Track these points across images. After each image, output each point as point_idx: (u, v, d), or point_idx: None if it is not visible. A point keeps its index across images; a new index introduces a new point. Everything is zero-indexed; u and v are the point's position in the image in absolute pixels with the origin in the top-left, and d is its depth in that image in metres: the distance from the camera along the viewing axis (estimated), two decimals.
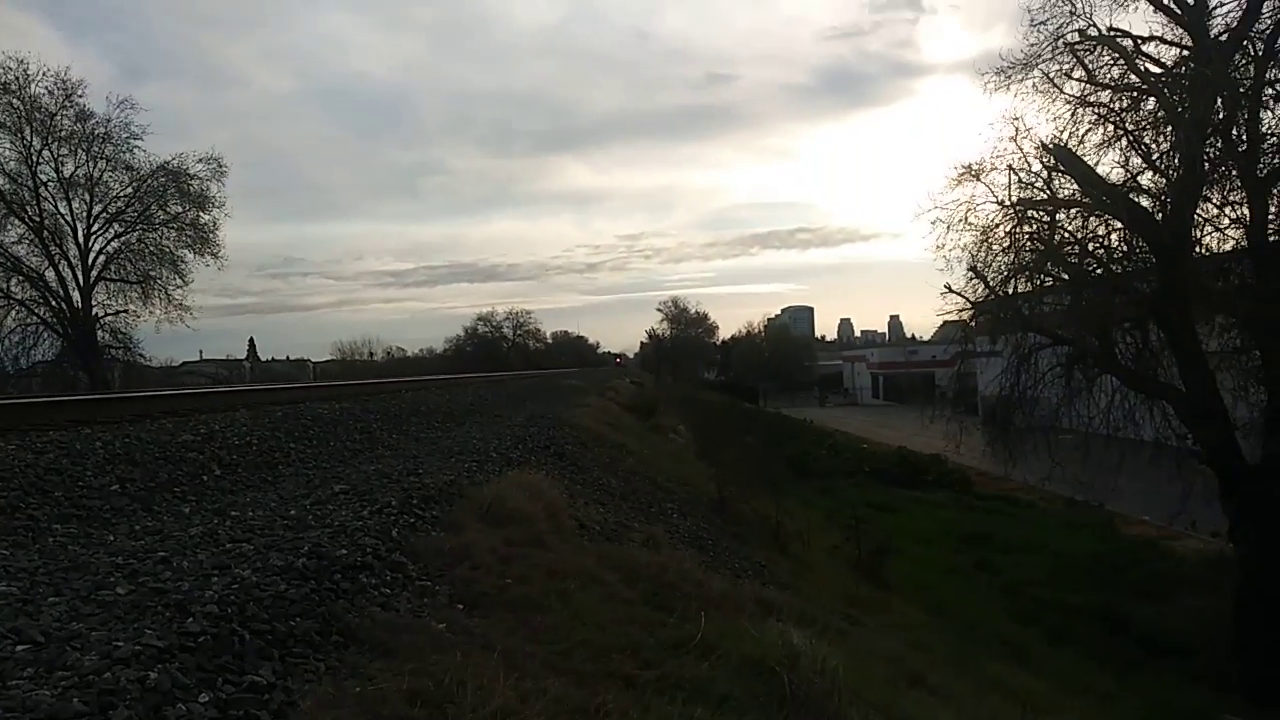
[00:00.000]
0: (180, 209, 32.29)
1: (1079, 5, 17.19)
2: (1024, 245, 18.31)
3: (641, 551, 8.42)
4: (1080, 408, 18.80)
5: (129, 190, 31.59)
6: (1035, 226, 18.31)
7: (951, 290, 19.17)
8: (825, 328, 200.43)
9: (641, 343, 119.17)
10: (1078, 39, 17.30)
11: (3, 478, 6.30)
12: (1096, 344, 17.57)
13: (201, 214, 32.45)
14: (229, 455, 8.80)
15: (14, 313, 30.00)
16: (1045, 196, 17.99)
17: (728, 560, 11.51)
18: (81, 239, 30.85)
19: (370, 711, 3.74)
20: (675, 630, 6.14)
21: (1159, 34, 17.13)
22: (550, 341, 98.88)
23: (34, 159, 29.29)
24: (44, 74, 28.85)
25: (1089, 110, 17.40)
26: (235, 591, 4.37)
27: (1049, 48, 17.55)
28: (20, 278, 29.88)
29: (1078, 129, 17.53)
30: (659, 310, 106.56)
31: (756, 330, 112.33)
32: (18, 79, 28.22)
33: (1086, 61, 17.40)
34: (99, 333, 31.67)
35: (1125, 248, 17.43)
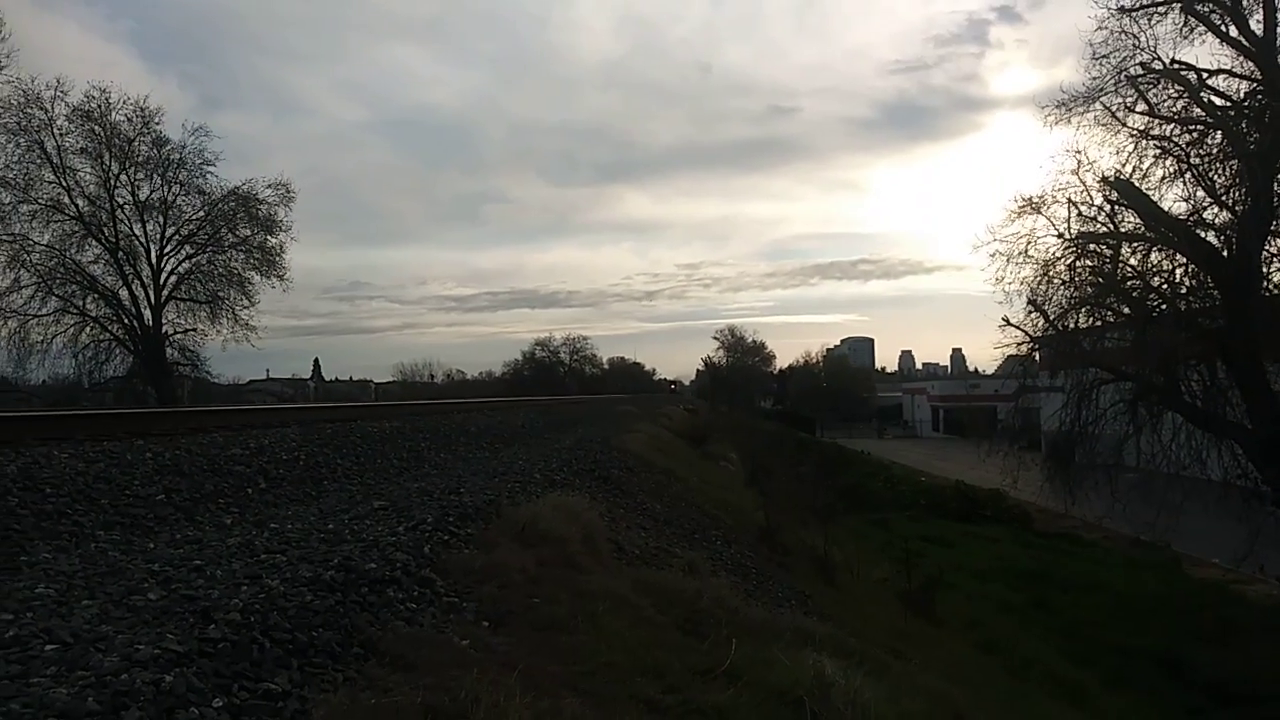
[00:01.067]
0: (249, 232, 33.28)
1: (1143, 39, 16.95)
2: (1085, 279, 17.96)
3: (678, 577, 8.35)
4: (1144, 444, 18.27)
5: (200, 214, 32.68)
6: (1096, 260, 17.95)
7: (1010, 324, 18.90)
8: (886, 359, 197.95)
9: (697, 370, 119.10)
10: (1140, 72, 17.02)
11: (53, 484, 6.50)
12: (1161, 380, 17.09)
13: (269, 237, 33.41)
14: (275, 470, 8.96)
15: (89, 329, 31.11)
16: (1107, 230, 17.63)
17: (770, 589, 11.35)
18: (154, 260, 31.96)
19: None
20: (705, 656, 6.06)
21: (1226, 67, 16.76)
22: (606, 367, 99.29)
23: (112, 183, 30.46)
24: (124, 102, 30.08)
25: (1152, 144, 17.08)
26: (261, 600, 4.43)
27: (1111, 81, 17.30)
28: (96, 296, 30.99)
29: (1140, 163, 17.23)
30: (715, 338, 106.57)
31: (815, 360, 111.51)
32: (99, 107, 29.45)
33: (1149, 95, 17.10)
34: (168, 350, 32.68)
35: (1190, 283, 16.98)
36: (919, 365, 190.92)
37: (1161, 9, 16.73)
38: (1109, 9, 17.10)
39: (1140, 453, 18.67)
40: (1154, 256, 16.98)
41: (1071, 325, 17.86)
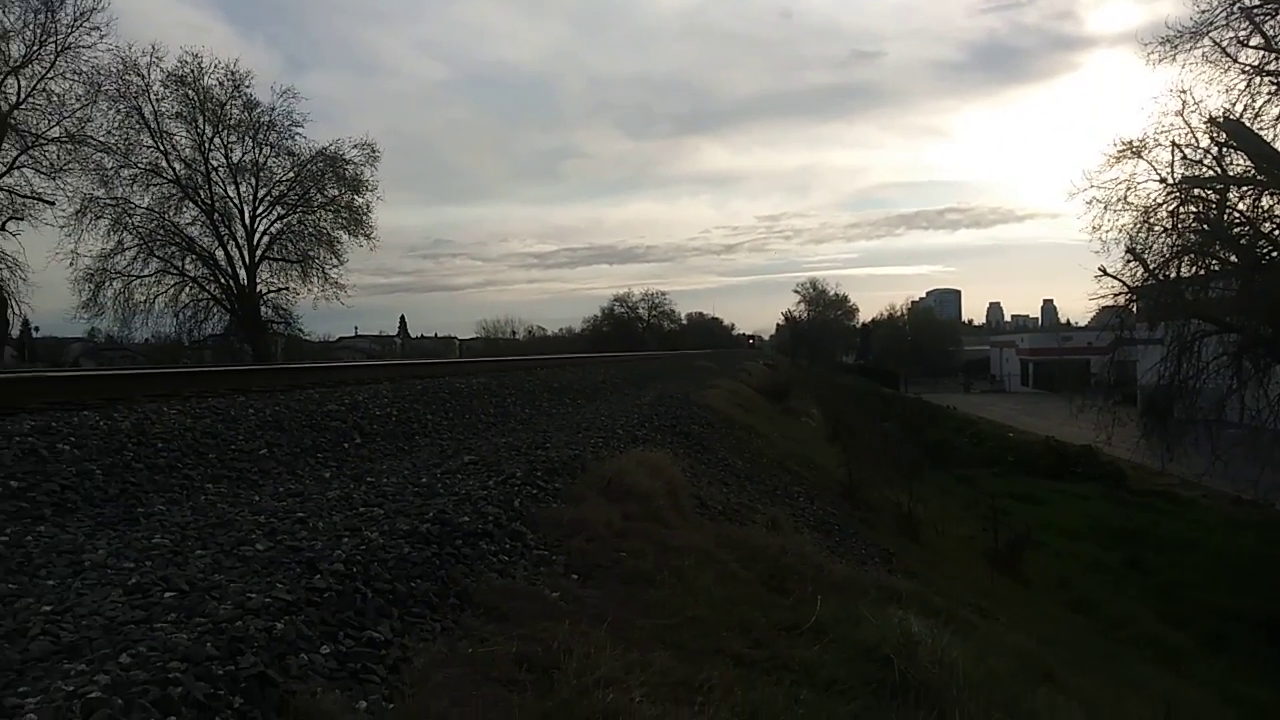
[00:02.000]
0: (336, 192, 34.04)
1: None
2: (1188, 226, 17.16)
3: (761, 533, 8.38)
4: (1248, 399, 17.51)
5: (290, 175, 33.53)
6: (1201, 206, 17.11)
7: (1107, 274, 18.22)
8: (973, 312, 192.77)
9: (777, 325, 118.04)
10: (1257, 2, 15.95)
11: (164, 439, 6.83)
12: (1269, 331, 16.29)
13: (356, 197, 34.12)
14: (370, 425, 9.25)
15: (188, 289, 32.36)
16: (1214, 174, 16.73)
17: (853, 546, 11.31)
18: (248, 220, 33.00)
19: (480, 672, 3.89)
20: (790, 612, 6.09)
21: None
22: (685, 322, 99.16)
23: (206, 146, 31.44)
24: (216, 66, 30.89)
25: (1266, 81, 16.04)
26: (362, 552, 4.60)
27: (1222, 14, 16.26)
28: (194, 256, 32.17)
29: (1253, 102, 16.22)
30: (796, 291, 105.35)
31: (899, 313, 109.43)
32: (192, 72, 30.33)
33: (1265, 27, 16.03)
34: (262, 308, 33.80)
35: None
36: (1008, 318, 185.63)
37: None
38: None
39: (1244, 408, 17.92)
40: (1265, 201, 16.06)
41: (1173, 274, 17.10)
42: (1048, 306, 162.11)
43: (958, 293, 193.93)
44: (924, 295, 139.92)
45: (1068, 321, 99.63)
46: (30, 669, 3.19)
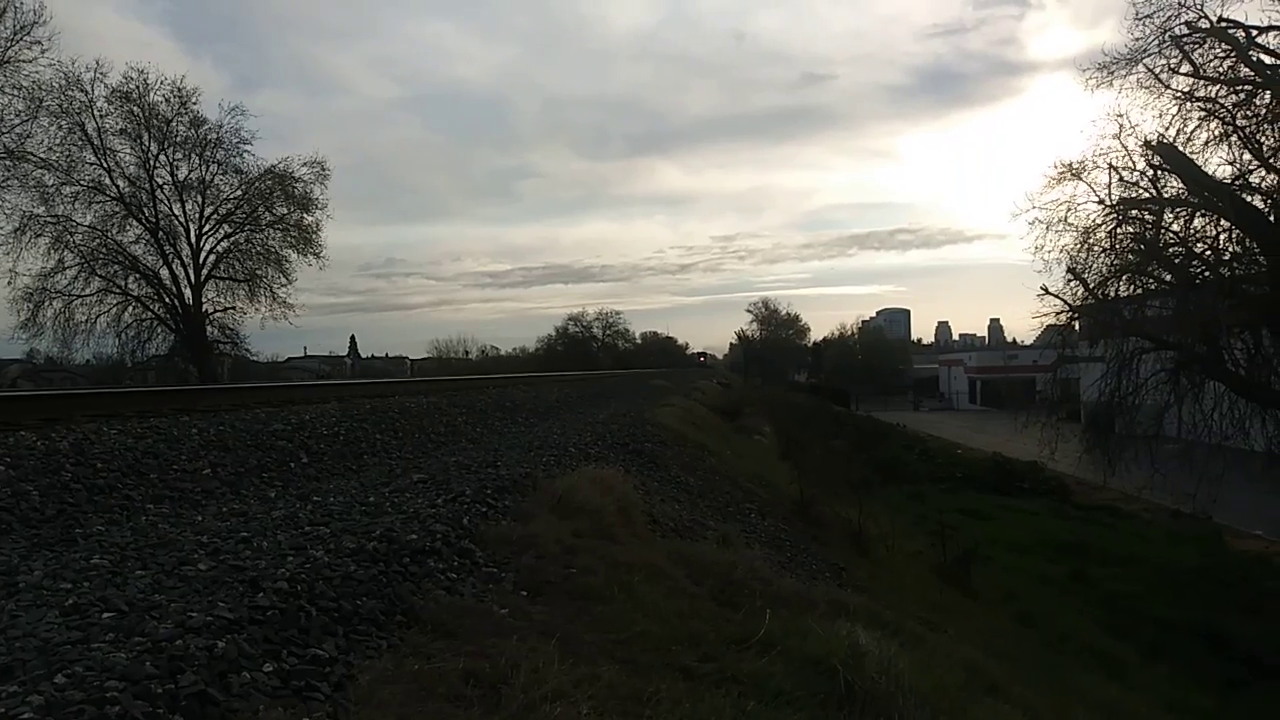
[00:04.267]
0: (285, 210, 33.69)
1: None
2: (1126, 246, 17.70)
3: (712, 549, 8.41)
4: (1185, 414, 18.02)
5: (238, 193, 33.13)
6: (1138, 227, 17.65)
7: (1049, 293, 18.67)
8: (922, 331, 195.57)
9: (730, 344, 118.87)
10: (1186, 31, 16.58)
11: (104, 459, 6.70)
12: (1203, 349, 16.81)
13: (305, 215, 33.80)
14: (317, 444, 9.14)
15: (131, 308, 31.74)
16: (1149, 195, 17.29)
17: (804, 561, 11.40)
18: (194, 239, 32.49)
19: (426, 688, 3.87)
20: (740, 626, 6.13)
21: (1277, 23, 16.25)
22: (639, 342, 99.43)
23: (151, 163, 30.96)
24: (161, 83, 30.46)
25: (1196, 106, 16.67)
26: (307, 570, 4.55)
27: (1155, 42, 16.88)
28: (137, 275, 31.59)
29: (1184, 126, 16.83)
30: (749, 311, 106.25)
31: (850, 332, 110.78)
32: (138, 88, 29.87)
33: (1194, 55, 16.66)
34: (208, 328, 33.24)
35: (1235, 249, 16.64)
36: (956, 336, 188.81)
37: None
38: None
39: (1181, 423, 18.44)
40: (1197, 222, 16.66)
41: (1112, 293, 17.60)
42: (994, 325, 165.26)
43: (907, 312, 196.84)
44: (874, 314, 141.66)
45: (1013, 340, 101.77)
46: None
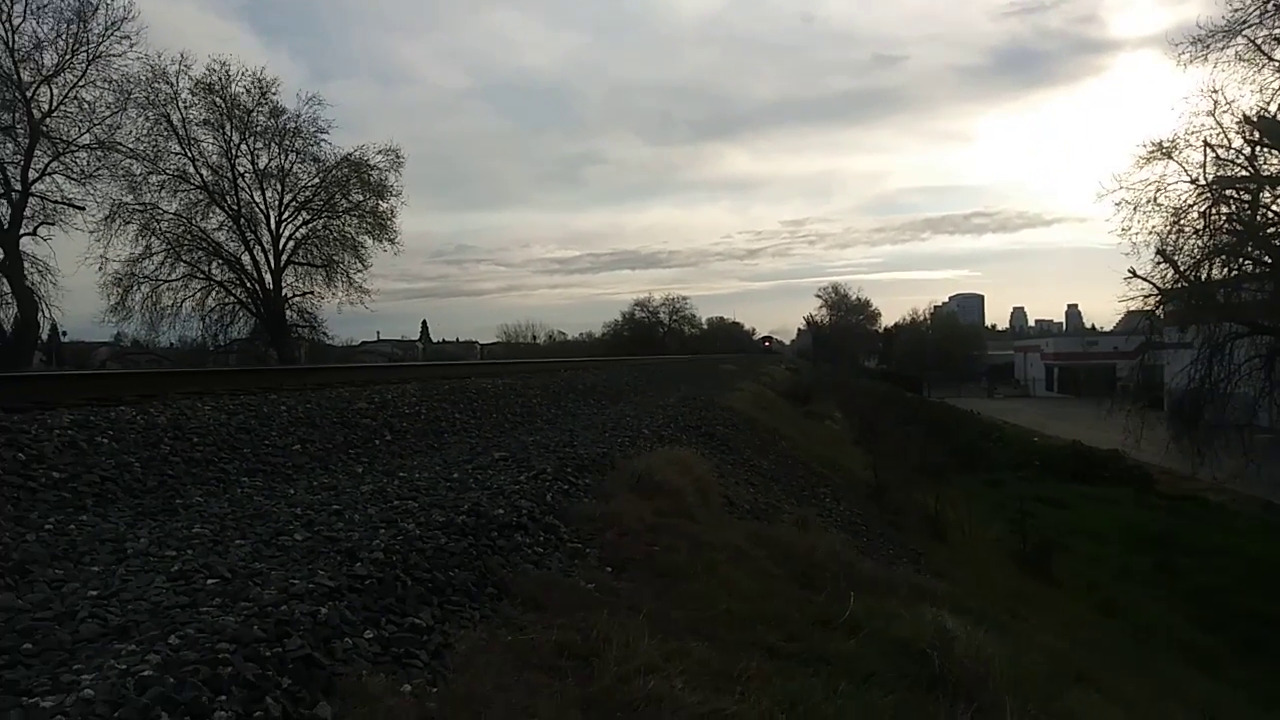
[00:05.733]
0: (361, 197, 34.28)
1: None
2: (1220, 227, 16.95)
3: (790, 531, 8.35)
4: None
5: (315, 180, 33.81)
6: (1234, 206, 16.90)
7: (1137, 275, 17.99)
8: (996, 317, 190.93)
9: (799, 330, 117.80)
10: None
11: (199, 434, 6.90)
12: None
13: (380, 202, 34.35)
14: (399, 423, 9.30)
15: (215, 293, 32.68)
16: (1247, 174, 16.53)
17: (881, 547, 11.25)
18: (273, 225, 33.29)
19: (520, 658, 3.90)
20: (822, 608, 6.07)
21: None
22: (705, 327, 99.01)
23: (233, 152, 31.77)
24: (243, 74, 31.22)
25: None
26: (400, 542, 4.63)
27: (1256, 11, 16.02)
28: (220, 261, 32.50)
29: None
30: (818, 296, 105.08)
31: (921, 318, 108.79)
32: (220, 80, 30.67)
33: None
34: (287, 312, 34.08)
35: None
36: (1031, 322, 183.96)
37: None
38: None
39: (1275, 412, 17.67)
40: None
41: (1204, 276, 16.88)
42: (1072, 311, 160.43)
43: (981, 297, 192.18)
44: (947, 300, 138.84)
45: (1092, 326, 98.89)
46: (81, 649, 3.23)
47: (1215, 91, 16.59)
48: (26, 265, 25.67)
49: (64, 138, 25.89)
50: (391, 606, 3.95)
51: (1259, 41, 15.88)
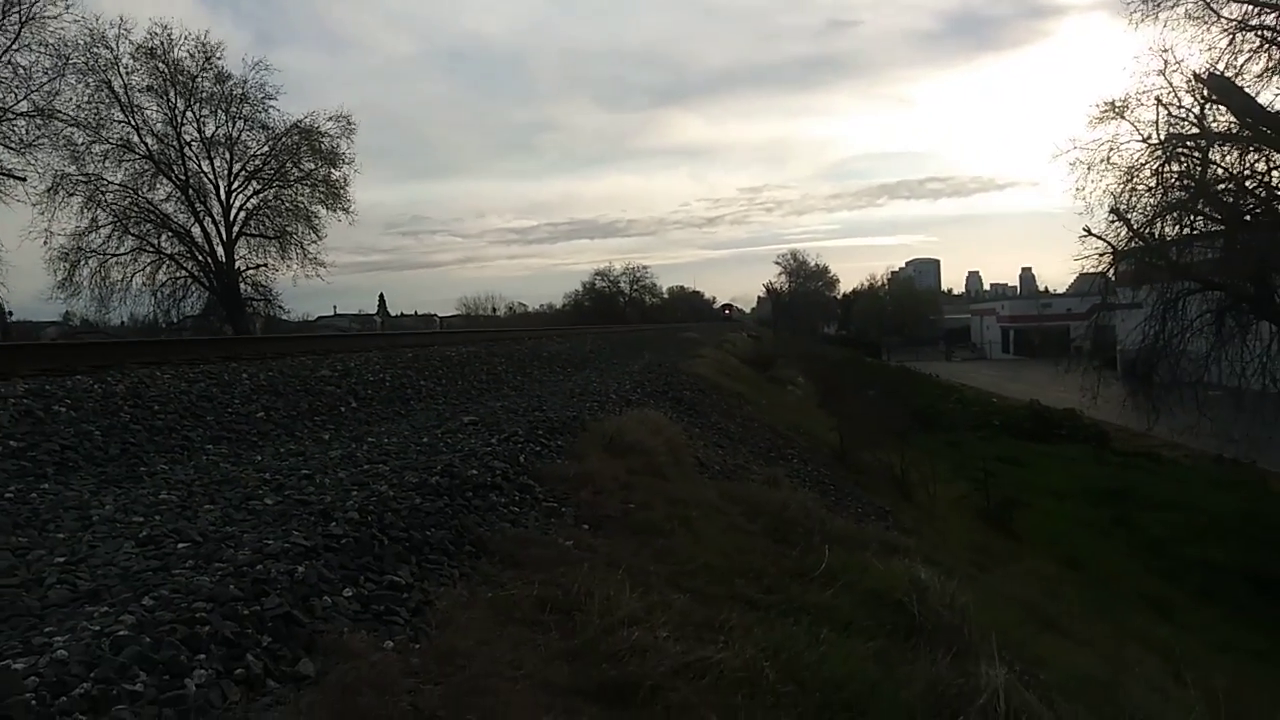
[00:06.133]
0: (313, 166, 33.53)
1: None
2: (1172, 184, 17.18)
3: (762, 489, 8.38)
4: (1231, 358, 17.65)
5: (265, 149, 32.99)
6: (1185, 164, 17.13)
7: (1091, 234, 18.18)
8: (952, 281, 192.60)
9: (759, 297, 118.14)
10: None
11: (160, 402, 6.74)
12: (1252, 289, 16.39)
13: (333, 170, 33.62)
14: (364, 390, 9.16)
15: (165, 267, 31.86)
16: (1197, 131, 16.76)
17: (850, 505, 11.35)
18: (223, 196, 32.47)
19: (502, 614, 3.86)
20: (798, 561, 6.10)
21: None
22: (666, 296, 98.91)
23: (179, 120, 30.86)
24: (186, 38, 30.27)
25: (1250, 36, 16.03)
26: (374, 503, 4.55)
27: None
28: (170, 233, 31.66)
29: (1235, 60, 16.19)
30: (777, 263, 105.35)
31: (879, 284, 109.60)
32: (162, 44, 29.68)
33: None
34: (242, 285, 33.39)
35: None
36: (986, 286, 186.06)
37: None
38: None
39: (1227, 367, 18.06)
40: (1249, 157, 16.10)
41: (1157, 233, 17.14)
42: (1026, 275, 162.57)
43: (937, 262, 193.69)
44: (904, 265, 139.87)
45: (1046, 289, 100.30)
46: (52, 614, 3.13)
47: (1166, 50, 16.79)
48: None
49: (0, 105, 24.98)
50: (369, 565, 3.88)
51: None
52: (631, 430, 7.72)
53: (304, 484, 5.15)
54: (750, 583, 5.31)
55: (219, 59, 31.17)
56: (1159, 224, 17.21)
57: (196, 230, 32.03)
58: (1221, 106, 16.23)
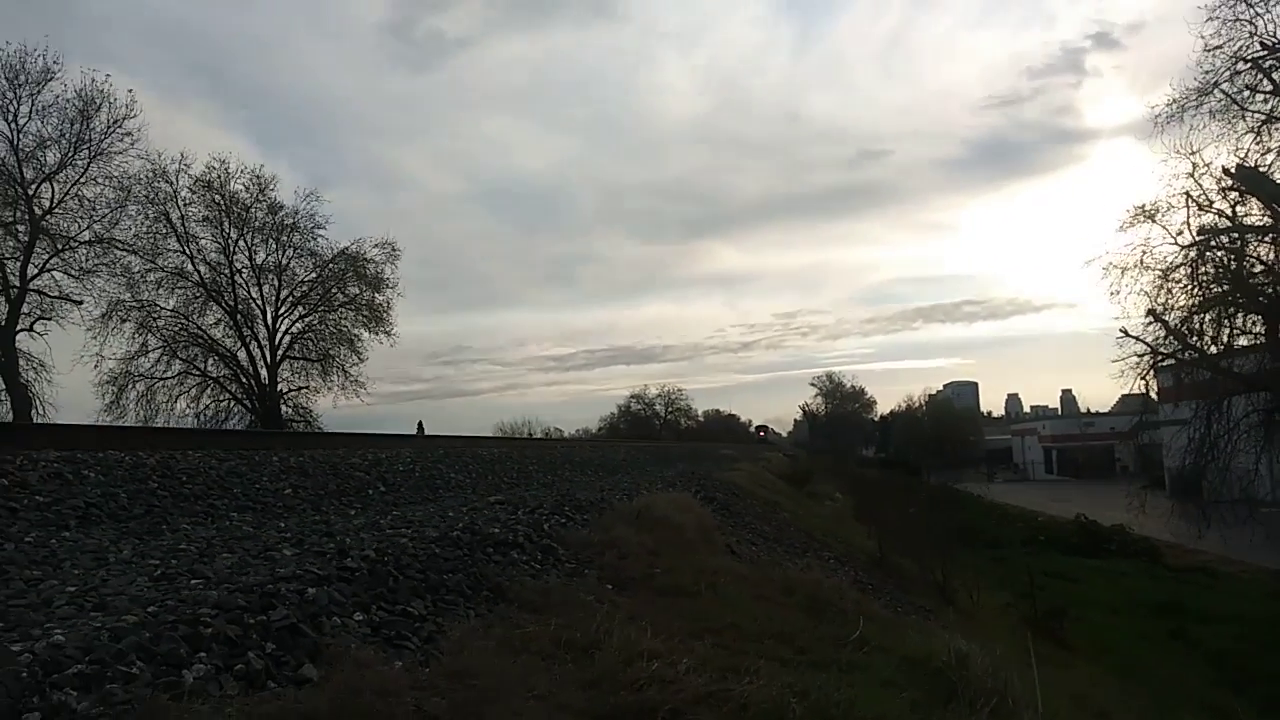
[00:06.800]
0: (357, 290, 34.41)
1: (1259, 24, 16.19)
2: (1208, 281, 17.09)
3: (796, 570, 8.13)
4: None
5: (312, 275, 34.00)
6: (1220, 259, 17.10)
7: (1128, 335, 17.96)
8: (991, 404, 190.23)
9: (795, 420, 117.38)
10: (1262, 52, 16.24)
11: (189, 474, 6.77)
12: None
13: (376, 294, 34.46)
14: (393, 478, 9.15)
15: (210, 390, 32.48)
16: (1229, 225, 16.79)
17: (888, 601, 10.97)
18: (270, 320, 33.31)
19: (516, 647, 3.72)
20: (832, 628, 5.86)
21: None
22: (702, 419, 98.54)
23: (231, 248, 32.02)
24: (242, 171, 31.74)
25: (1277, 129, 16.18)
26: (392, 548, 4.48)
27: (1226, 71, 16.51)
28: (216, 357, 32.41)
29: (1264, 158, 16.31)
30: (812, 385, 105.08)
31: (917, 405, 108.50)
32: (219, 177, 31.11)
33: (1274, 76, 16.25)
34: (283, 407, 33.85)
35: None
36: (1026, 408, 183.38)
37: None
38: None
39: (1274, 474, 17.51)
40: None
41: (1196, 327, 16.93)
42: (1066, 396, 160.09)
43: (975, 384, 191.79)
44: (941, 388, 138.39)
45: (1088, 409, 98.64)
46: (58, 622, 3.08)
47: (1194, 153, 16.96)
48: (21, 362, 25.59)
49: (64, 234, 26.13)
50: (383, 595, 3.79)
51: (1233, 95, 16.31)
52: (660, 507, 7.60)
53: (325, 541, 5.09)
54: (780, 644, 5.08)
55: (272, 190, 32.56)
56: (1196, 321, 17.02)
57: (242, 354, 32.76)
58: (1253, 200, 16.25)
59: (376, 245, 34.33)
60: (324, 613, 3.35)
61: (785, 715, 3.47)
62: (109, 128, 26.35)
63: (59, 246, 26.06)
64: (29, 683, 2.28)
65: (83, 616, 3.10)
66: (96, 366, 28.65)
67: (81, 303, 26.93)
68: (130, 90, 26.29)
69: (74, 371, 33.10)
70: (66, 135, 25.82)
